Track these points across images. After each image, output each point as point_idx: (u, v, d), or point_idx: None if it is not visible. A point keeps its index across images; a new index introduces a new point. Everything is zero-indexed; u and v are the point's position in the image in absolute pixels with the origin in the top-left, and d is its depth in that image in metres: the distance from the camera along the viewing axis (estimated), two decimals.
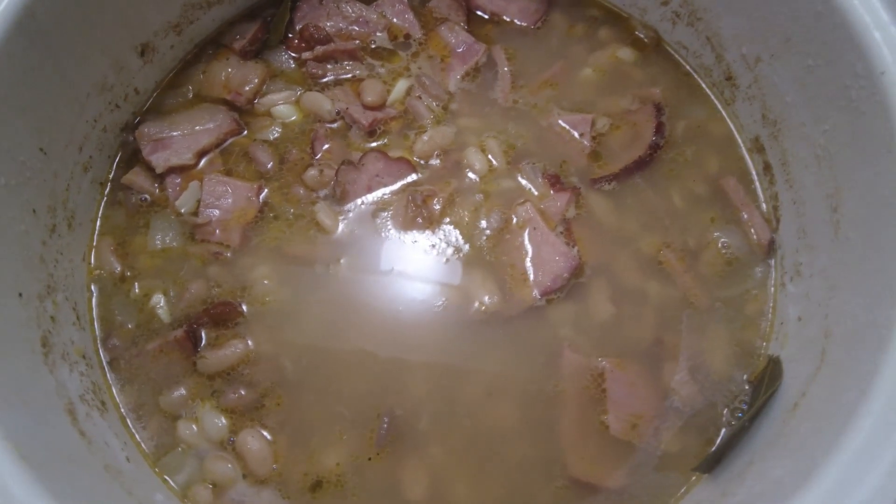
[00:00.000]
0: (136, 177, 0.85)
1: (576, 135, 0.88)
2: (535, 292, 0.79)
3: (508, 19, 0.96)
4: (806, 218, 0.76)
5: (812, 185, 0.75)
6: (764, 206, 0.84)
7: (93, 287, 0.81)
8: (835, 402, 0.55)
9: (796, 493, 0.49)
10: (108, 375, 0.77)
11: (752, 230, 0.83)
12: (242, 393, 0.76)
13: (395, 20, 0.95)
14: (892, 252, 0.56)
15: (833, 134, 0.70)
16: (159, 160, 0.85)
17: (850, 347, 0.59)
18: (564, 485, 0.73)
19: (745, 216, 0.83)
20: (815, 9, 0.69)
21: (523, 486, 0.73)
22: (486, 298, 0.79)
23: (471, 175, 0.86)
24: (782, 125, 0.80)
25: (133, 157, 0.87)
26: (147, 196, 0.85)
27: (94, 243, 0.83)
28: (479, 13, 0.96)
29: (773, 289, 0.80)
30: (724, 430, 0.74)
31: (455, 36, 0.93)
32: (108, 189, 0.86)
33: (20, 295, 0.67)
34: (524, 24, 0.95)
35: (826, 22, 0.67)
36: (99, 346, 0.78)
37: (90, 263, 0.82)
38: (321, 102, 0.88)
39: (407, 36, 0.94)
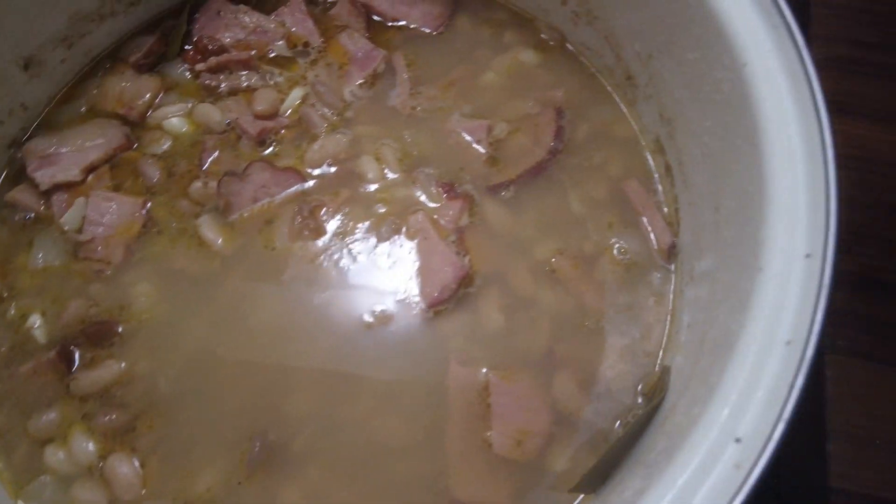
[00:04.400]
0: (21, 194, 0.83)
1: (473, 141, 0.85)
2: (423, 303, 0.76)
3: (411, 25, 0.93)
4: (699, 221, 0.73)
5: (702, 184, 0.71)
6: (665, 209, 0.81)
7: None
8: (687, 415, 0.52)
9: None
10: None
11: (652, 234, 0.79)
12: (114, 416, 0.73)
13: (294, 29, 0.93)
14: (749, 253, 0.53)
15: (713, 130, 0.67)
16: (44, 177, 0.83)
17: (710, 355, 0.55)
18: None
19: (645, 220, 0.80)
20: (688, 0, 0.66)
21: None
22: (374, 311, 0.76)
23: (364, 185, 0.83)
24: (676, 123, 0.76)
25: (19, 175, 0.85)
26: (32, 214, 0.83)
27: None
28: (380, 19, 0.94)
29: (672, 295, 0.77)
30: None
31: (354, 43, 0.91)
32: None
33: None
34: (427, 29, 0.93)
35: (697, 13, 0.64)
36: None
37: None
38: (211, 113, 0.86)
39: (306, 44, 0.92)
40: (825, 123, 0.52)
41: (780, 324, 0.47)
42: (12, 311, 0.78)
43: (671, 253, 0.78)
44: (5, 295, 0.79)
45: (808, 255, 0.49)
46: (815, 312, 0.46)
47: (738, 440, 0.44)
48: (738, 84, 0.60)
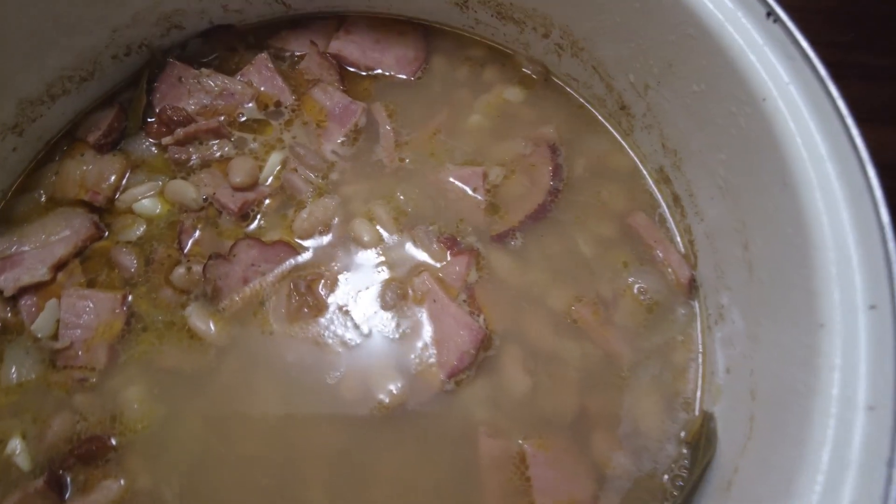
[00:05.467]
0: None
1: (469, 191, 0.80)
2: (442, 374, 0.71)
3: (386, 73, 0.89)
4: (720, 254, 0.69)
5: (720, 217, 0.68)
6: (679, 241, 0.78)
7: None
8: (765, 484, 0.48)
9: None
10: None
11: (670, 269, 0.76)
12: None
13: (262, 88, 0.87)
14: (801, 305, 0.49)
15: (730, 164, 0.63)
16: (8, 282, 0.76)
17: (774, 415, 0.52)
18: None
19: (660, 254, 0.77)
20: (687, 32, 0.63)
21: None
22: (389, 389, 0.71)
23: (360, 250, 0.78)
24: (682, 154, 0.73)
25: None
26: None
27: None
28: (353, 70, 0.89)
29: (700, 334, 0.73)
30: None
31: (329, 97, 0.86)
32: None
33: None
34: (403, 75, 0.88)
35: (701, 46, 0.61)
36: None
37: None
38: (185, 190, 0.80)
39: (278, 104, 0.86)
40: (866, 159, 0.49)
41: (855, 386, 0.44)
42: None
43: (692, 287, 0.75)
44: None
45: (872, 307, 0.46)
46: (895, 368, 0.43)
47: None
48: (757, 119, 0.56)
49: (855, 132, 0.49)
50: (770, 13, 0.56)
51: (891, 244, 0.46)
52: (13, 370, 0.73)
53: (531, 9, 0.81)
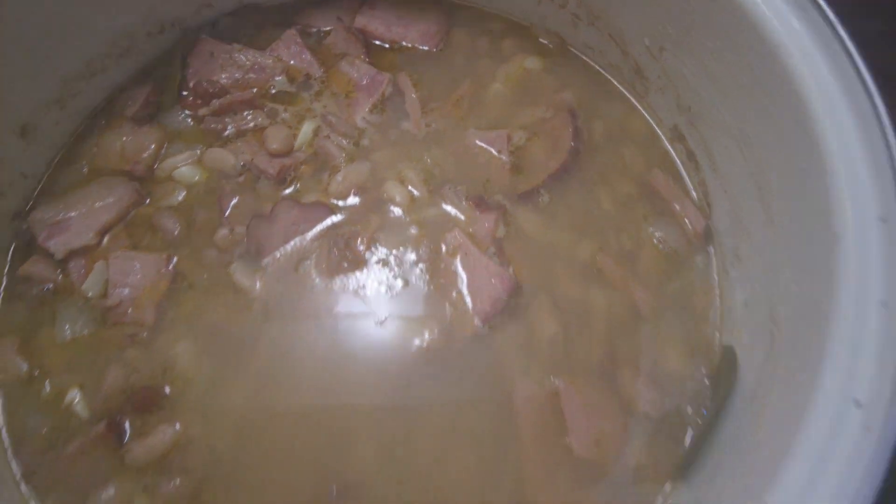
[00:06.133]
0: (35, 266, 0.79)
1: (494, 152, 0.85)
2: (477, 320, 0.75)
3: (409, 45, 0.93)
4: (736, 202, 0.74)
5: (736, 168, 0.73)
6: (694, 194, 0.82)
7: None
8: (789, 387, 0.52)
9: (763, 494, 0.45)
10: (22, 489, 0.69)
11: (686, 220, 0.81)
12: (178, 482, 0.69)
13: (292, 62, 0.91)
14: (818, 226, 0.54)
15: (744, 113, 0.68)
16: (58, 245, 0.79)
17: (795, 328, 0.56)
18: None
19: (677, 207, 0.81)
20: None
21: None
22: (427, 335, 0.75)
23: (393, 209, 0.82)
24: (697, 111, 0.78)
25: (29, 246, 0.81)
26: (50, 285, 0.79)
27: None
28: (378, 43, 0.94)
29: (716, 277, 0.78)
30: (690, 431, 0.70)
31: (357, 70, 0.90)
32: (3, 284, 0.79)
33: None
34: (426, 47, 0.93)
35: (720, 4, 0.66)
36: (9, 458, 0.71)
37: None
38: (224, 158, 0.83)
39: (307, 76, 0.90)
40: (873, 91, 0.54)
41: (870, 286, 0.49)
42: (47, 390, 0.74)
43: (707, 235, 0.80)
44: (36, 374, 0.75)
45: (882, 220, 0.50)
46: None
47: (859, 404, 0.45)
48: (771, 65, 0.61)
49: (862, 67, 0.54)
50: None
51: None
52: (66, 327, 0.77)
53: None
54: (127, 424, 0.72)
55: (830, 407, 0.46)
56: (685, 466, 0.67)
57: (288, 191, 0.83)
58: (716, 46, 0.70)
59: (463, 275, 0.77)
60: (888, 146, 0.52)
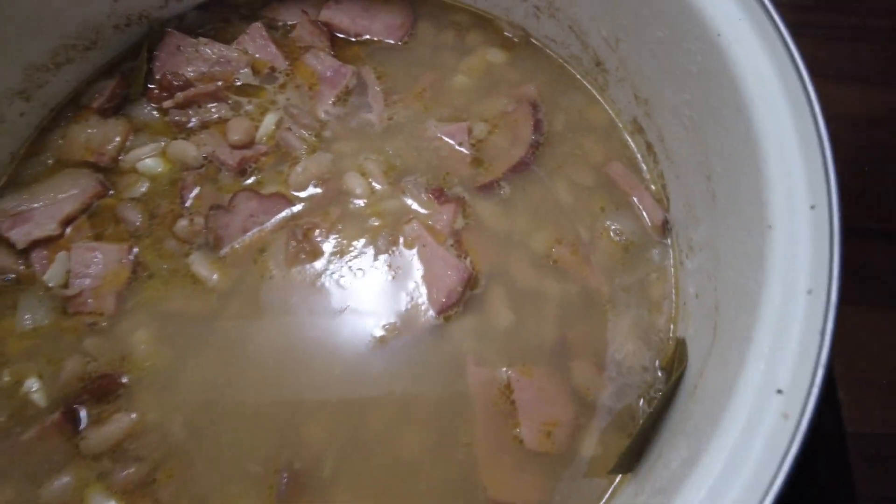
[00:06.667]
0: None
1: (455, 144, 0.85)
2: (432, 311, 0.76)
3: (374, 38, 0.94)
4: (690, 192, 0.74)
5: (686, 155, 0.73)
6: (653, 186, 0.83)
7: None
8: (721, 375, 0.53)
9: (683, 485, 0.45)
10: None
11: (644, 212, 0.81)
12: (132, 470, 0.70)
13: (257, 55, 0.92)
14: (754, 214, 0.54)
15: (693, 102, 0.69)
16: (19, 235, 0.80)
17: (732, 316, 0.57)
18: None
19: (635, 199, 0.82)
20: None
21: None
22: (383, 325, 0.76)
23: (353, 200, 0.83)
24: (653, 102, 0.78)
25: None
26: (11, 275, 0.80)
27: None
28: (343, 36, 0.94)
29: (672, 269, 0.78)
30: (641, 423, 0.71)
31: (321, 62, 0.91)
32: None
33: None
34: (391, 40, 0.93)
35: None
36: None
37: None
38: (186, 149, 0.84)
39: (272, 69, 0.91)
40: (806, 78, 0.54)
41: (797, 274, 0.49)
42: (6, 378, 0.74)
43: (665, 228, 0.80)
44: None
45: (813, 207, 0.51)
46: (831, 259, 0.48)
47: (779, 391, 0.45)
48: (713, 53, 0.61)
49: (797, 55, 0.54)
50: None
51: (828, 154, 0.51)
52: (27, 317, 0.77)
53: None
54: (84, 413, 0.72)
55: (753, 394, 0.46)
56: (632, 459, 0.67)
57: (248, 182, 0.84)
58: (664, 36, 0.70)
59: (420, 266, 0.78)
60: (819, 134, 0.52)
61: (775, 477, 0.42)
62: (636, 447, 0.66)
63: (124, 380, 0.74)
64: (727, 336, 0.56)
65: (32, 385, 0.74)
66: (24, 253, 0.80)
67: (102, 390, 0.73)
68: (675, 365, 0.70)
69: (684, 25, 0.65)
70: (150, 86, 0.90)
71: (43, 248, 0.81)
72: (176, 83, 0.88)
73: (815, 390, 0.44)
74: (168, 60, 0.91)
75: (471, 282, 0.77)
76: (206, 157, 0.84)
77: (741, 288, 0.55)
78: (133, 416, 0.72)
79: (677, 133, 0.74)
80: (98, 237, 0.82)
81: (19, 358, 0.76)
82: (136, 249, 0.80)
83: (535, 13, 0.89)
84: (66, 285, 0.78)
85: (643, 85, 0.79)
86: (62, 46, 0.86)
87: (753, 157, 0.56)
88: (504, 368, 0.73)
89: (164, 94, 0.88)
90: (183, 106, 0.88)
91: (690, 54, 0.65)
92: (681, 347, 0.71)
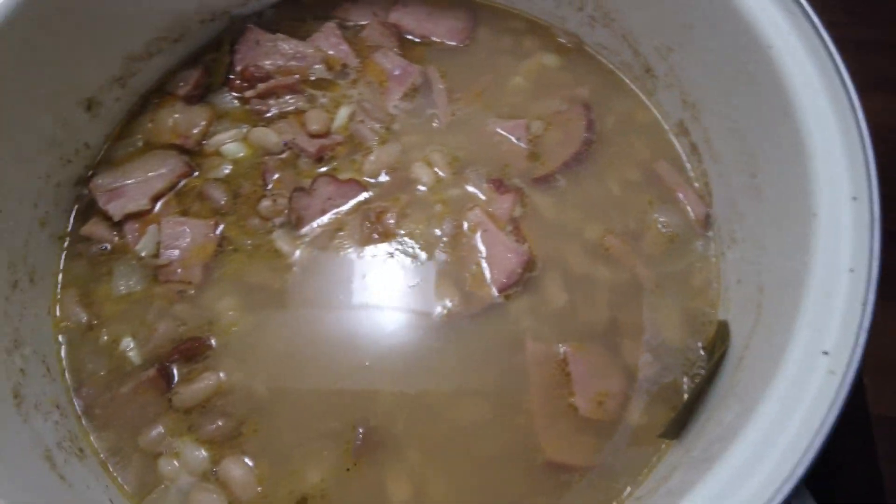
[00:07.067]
0: (95, 227, 0.87)
1: (513, 139, 0.92)
2: (493, 290, 0.83)
3: (438, 40, 1.01)
4: (733, 188, 0.81)
5: (732, 155, 0.80)
6: (696, 184, 0.90)
7: (60, 338, 0.82)
8: (769, 345, 0.60)
9: (741, 431, 0.52)
10: (83, 423, 0.77)
11: (689, 208, 0.88)
12: (220, 423, 0.77)
13: (330, 52, 0.99)
14: (799, 206, 0.61)
15: (741, 107, 0.76)
16: (116, 208, 0.88)
17: (778, 295, 0.64)
18: (542, 469, 0.75)
19: (681, 195, 0.89)
20: None
21: (502, 475, 0.75)
22: (448, 301, 0.83)
23: (420, 188, 0.90)
24: (700, 107, 0.85)
25: (89, 209, 0.89)
26: (107, 245, 0.87)
27: (59, 296, 0.84)
28: (409, 37, 1.02)
29: (714, 259, 0.85)
30: (685, 397, 0.77)
31: (390, 61, 0.98)
32: (67, 242, 0.88)
33: None
34: (453, 43, 1.01)
35: (717, 6, 0.73)
36: (72, 395, 0.79)
37: (56, 316, 0.83)
38: (268, 136, 0.92)
39: (344, 66, 0.98)
40: (849, 85, 0.61)
41: (840, 256, 0.56)
42: (105, 338, 0.82)
43: (707, 222, 0.87)
44: (95, 323, 0.83)
45: (854, 198, 0.58)
46: (871, 242, 0.55)
47: (825, 353, 0.52)
48: (764, 64, 0.69)
49: (841, 65, 0.62)
50: None
51: (869, 152, 0.58)
52: (121, 283, 0.85)
53: None
54: (175, 371, 0.80)
55: (801, 356, 0.53)
56: (678, 427, 0.74)
57: (325, 168, 0.91)
58: (717, 47, 0.77)
59: (482, 249, 0.85)
60: (861, 136, 0.59)
61: (823, 422, 0.49)
62: (683, 416, 0.73)
63: (212, 342, 0.81)
64: (773, 312, 0.63)
65: (128, 344, 0.81)
66: (119, 225, 0.88)
67: (192, 351, 0.80)
68: (716, 344, 0.77)
69: (737, 38, 0.72)
70: (230, 76, 0.98)
71: (135, 221, 0.88)
72: (256, 74, 0.95)
73: (859, 350, 0.50)
74: (248, 53, 0.99)
75: (529, 265, 0.84)
76: (286, 144, 0.92)
77: (787, 270, 0.62)
78: (221, 375, 0.79)
79: (723, 135, 0.81)
80: (184, 213, 0.89)
81: (115, 320, 0.83)
82: (221, 225, 0.87)
83: (589, 22, 0.96)
84: (156, 255, 0.86)
85: (692, 90, 0.86)
86: (155, 39, 0.94)
87: (800, 156, 0.63)
88: (559, 344, 0.80)
89: (245, 85, 0.96)
90: (263, 96, 0.95)
91: (741, 64, 0.73)
92: (722, 329, 0.78)
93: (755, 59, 0.70)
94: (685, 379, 0.79)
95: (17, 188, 0.79)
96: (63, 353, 0.81)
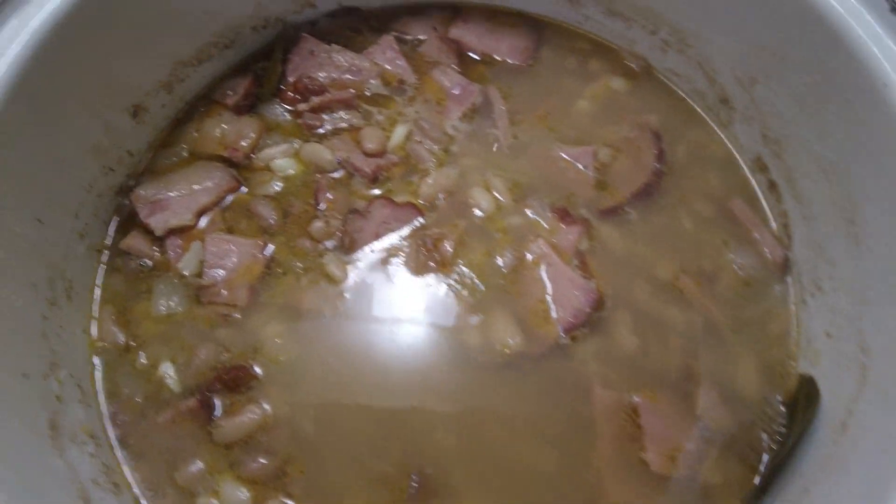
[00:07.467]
0: (135, 241, 0.82)
1: (580, 166, 0.87)
2: (559, 329, 0.77)
3: (499, 58, 0.96)
4: (821, 233, 0.76)
5: (823, 199, 0.75)
6: (773, 224, 0.84)
7: (95, 360, 0.77)
8: (889, 418, 0.54)
9: None
10: (118, 453, 0.72)
11: (766, 249, 0.83)
12: (263, 461, 0.72)
13: (387, 67, 0.94)
14: None
15: (841, 147, 0.70)
16: (158, 222, 0.83)
17: (894, 362, 0.58)
18: None
19: (756, 235, 0.83)
20: (807, 27, 0.70)
21: None
22: (509, 339, 0.77)
23: (478, 214, 0.85)
24: (785, 143, 0.80)
25: (129, 221, 0.84)
26: (147, 260, 0.82)
27: (95, 314, 0.79)
28: (470, 54, 0.97)
29: (793, 306, 0.80)
30: (765, 456, 0.72)
31: (449, 78, 0.93)
32: (105, 256, 0.83)
33: (25, 376, 0.63)
34: (515, 62, 0.96)
35: (820, 39, 0.68)
36: (107, 422, 0.74)
37: (91, 335, 0.78)
38: (322, 153, 0.87)
39: (401, 81, 0.94)
40: None
41: None
42: (143, 361, 0.77)
43: (785, 266, 0.81)
44: (132, 344, 0.78)
45: None
46: None
47: None
48: (877, 103, 0.63)
49: None
50: (894, 8, 0.63)
51: None
52: (161, 302, 0.80)
53: (644, 7, 0.88)
54: (216, 401, 0.74)
55: None
56: (760, 491, 0.68)
57: (378, 190, 0.86)
58: (815, 82, 0.72)
59: (547, 284, 0.80)
60: None
61: None
62: (767, 479, 0.67)
63: (257, 371, 0.76)
64: (889, 379, 0.58)
65: (167, 369, 0.76)
66: (160, 240, 0.83)
67: (235, 381, 0.75)
68: (801, 401, 0.72)
69: (845, 75, 0.67)
70: (281, 87, 0.93)
71: (178, 236, 0.83)
72: (311, 87, 0.90)
73: None
74: (301, 64, 0.94)
75: (598, 304, 0.78)
76: (340, 162, 0.87)
77: None
78: (266, 407, 0.74)
79: (813, 176, 0.76)
80: (230, 230, 0.84)
81: (154, 342, 0.78)
82: (270, 246, 0.82)
83: (662, 47, 0.91)
84: (199, 275, 0.81)
85: (776, 126, 0.81)
86: (206, 44, 0.89)
87: None
88: (631, 394, 0.75)
89: (298, 97, 0.91)
90: (316, 110, 0.90)
91: (846, 103, 0.67)
92: (808, 385, 0.73)
93: (866, 99, 0.65)
94: (764, 436, 0.73)
95: (60, 197, 0.75)
96: (99, 376, 0.76)
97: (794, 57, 0.74)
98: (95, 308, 0.80)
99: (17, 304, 0.66)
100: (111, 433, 0.73)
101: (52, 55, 0.68)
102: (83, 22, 0.71)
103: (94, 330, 0.79)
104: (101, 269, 0.82)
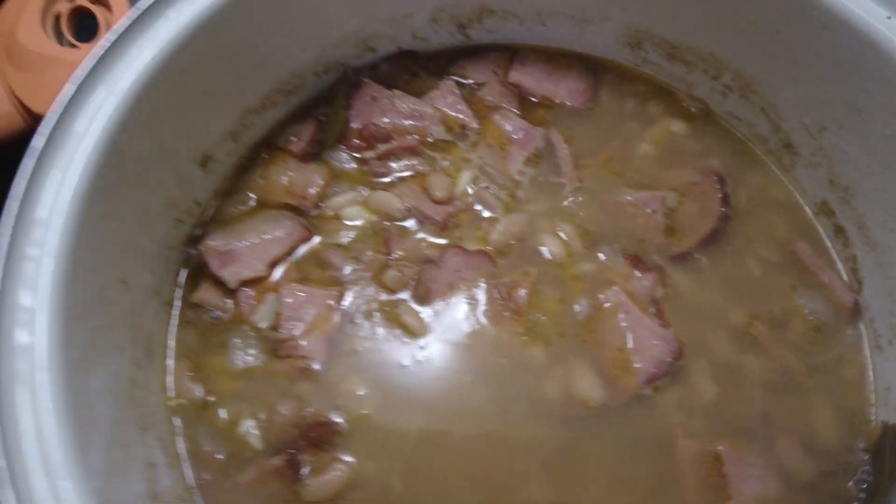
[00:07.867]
0: (207, 294, 0.82)
1: (649, 211, 0.88)
2: (641, 380, 0.78)
3: (559, 101, 0.97)
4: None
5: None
6: (841, 268, 0.86)
7: (174, 419, 0.76)
8: None
9: None
10: None
11: (835, 294, 0.84)
12: None
13: (448, 112, 0.94)
14: None
15: None
16: (230, 274, 0.82)
17: None
18: None
19: (825, 280, 0.84)
20: (888, 80, 0.71)
21: None
22: (591, 393, 0.77)
23: (550, 261, 0.85)
24: (855, 190, 0.81)
25: (197, 272, 0.84)
26: (219, 313, 0.82)
27: (171, 370, 0.78)
28: (530, 98, 0.97)
29: (868, 352, 0.81)
30: None
31: (511, 123, 0.94)
32: (176, 309, 0.82)
33: (124, 446, 0.62)
34: (575, 105, 0.97)
35: None
36: (191, 483, 0.73)
37: (167, 393, 0.77)
38: (391, 201, 0.86)
39: (462, 126, 0.94)
40: None
41: None
42: (223, 417, 0.76)
43: (855, 311, 0.82)
44: (211, 400, 0.77)
45: None
46: None
47: None
48: None
49: None
50: None
51: None
52: (237, 357, 0.79)
53: (707, 53, 0.89)
54: (302, 459, 0.74)
55: None
56: None
57: (447, 238, 0.86)
58: (892, 133, 0.73)
59: (626, 334, 0.80)
60: None
61: None
62: None
63: (341, 426, 0.75)
64: None
65: (249, 426, 0.75)
66: (231, 291, 0.82)
67: (320, 438, 0.75)
68: (887, 450, 0.72)
69: None
70: (344, 134, 0.93)
71: (250, 288, 0.83)
72: (377, 134, 0.90)
73: None
74: (363, 110, 0.94)
75: (678, 353, 0.79)
76: (408, 210, 0.87)
77: None
78: (353, 463, 0.74)
79: (888, 224, 0.77)
80: (303, 280, 0.84)
81: (233, 398, 0.77)
82: (348, 296, 0.82)
83: (723, 91, 0.92)
84: (276, 327, 0.80)
85: (846, 173, 0.82)
86: (272, 91, 0.89)
87: None
88: (713, 442, 0.75)
89: (364, 144, 0.91)
90: (383, 158, 0.90)
91: None
92: (891, 433, 0.73)
93: None
94: (850, 484, 0.74)
95: (141, 255, 0.74)
96: (180, 436, 0.75)
97: (872, 108, 0.75)
98: (171, 363, 0.79)
99: (111, 370, 0.65)
100: (198, 497, 0.72)
101: (138, 118, 0.68)
102: (166, 82, 0.70)
103: (170, 386, 0.78)
104: (175, 323, 0.81)
